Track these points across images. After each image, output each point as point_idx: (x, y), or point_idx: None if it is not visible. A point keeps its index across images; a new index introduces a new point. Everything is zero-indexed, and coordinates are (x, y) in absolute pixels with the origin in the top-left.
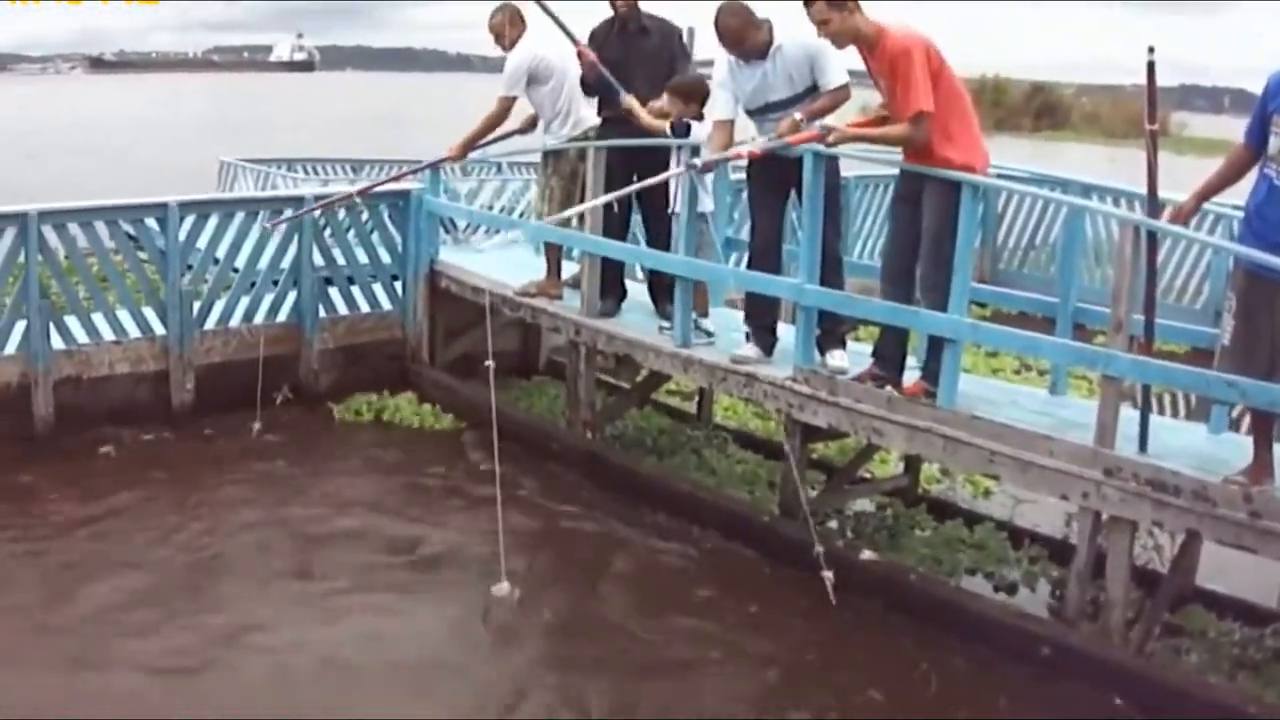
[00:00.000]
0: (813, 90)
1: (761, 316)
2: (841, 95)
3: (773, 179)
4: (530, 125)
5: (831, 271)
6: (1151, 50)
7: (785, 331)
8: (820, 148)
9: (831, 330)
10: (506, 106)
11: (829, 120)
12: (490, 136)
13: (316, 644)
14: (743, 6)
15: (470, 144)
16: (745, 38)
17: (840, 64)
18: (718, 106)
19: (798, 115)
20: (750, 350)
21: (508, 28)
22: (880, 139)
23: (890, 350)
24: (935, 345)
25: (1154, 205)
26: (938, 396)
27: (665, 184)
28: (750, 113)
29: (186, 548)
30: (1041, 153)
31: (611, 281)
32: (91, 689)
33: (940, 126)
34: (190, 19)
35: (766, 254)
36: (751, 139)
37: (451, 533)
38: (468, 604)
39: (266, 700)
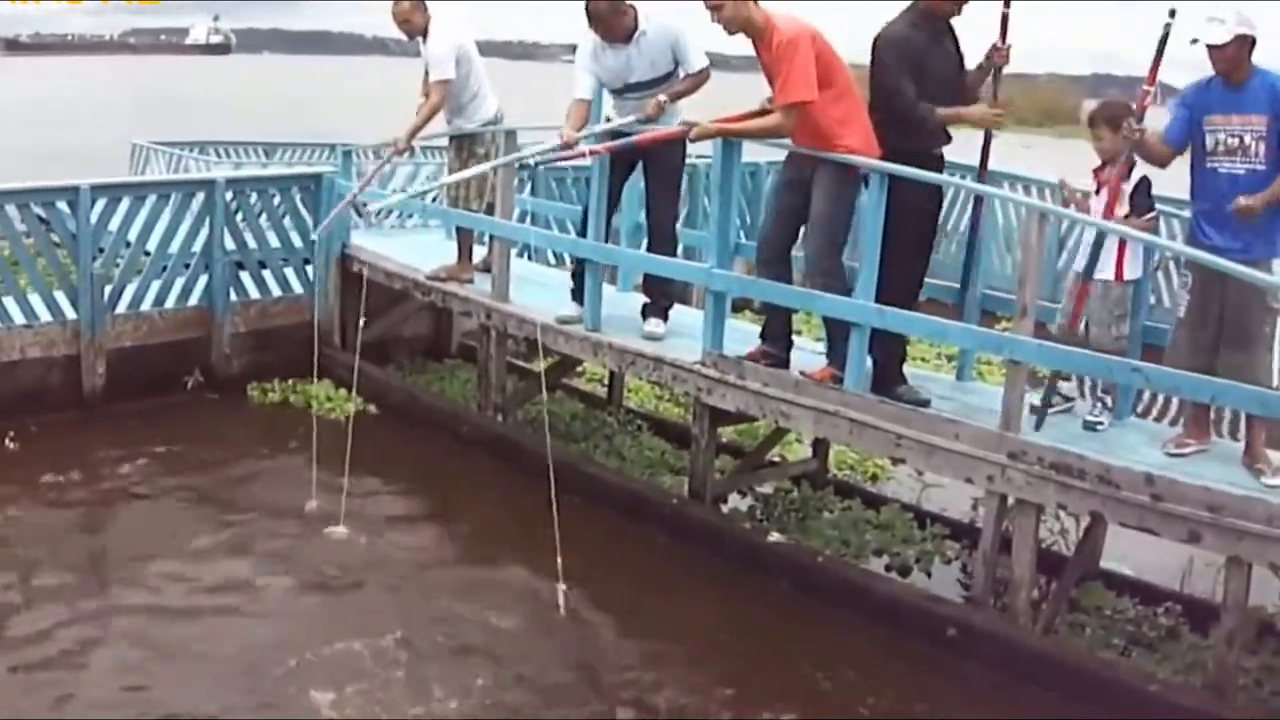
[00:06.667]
0: (673, 74)
1: (582, 279)
2: (702, 78)
3: (620, 157)
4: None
5: (664, 245)
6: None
7: (695, 316)
8: (727, 140)
9: (656, 301)
10: (445, 91)
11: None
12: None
13: None
14: None
15: (415, 133)
16: (613, 22)
17: (700, 49)
18: (578, 86)
19: (662, 97)
20: (572, 310)
21: (417, 15)
22: (743, 131)
23: (777, 330)
24: (839, 329)
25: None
26: (845, 380)
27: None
28: (614, 92)
29: (92, 530)
30: (957, 140)
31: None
32: None
33: (835, 114)
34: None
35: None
36: (606, 118)
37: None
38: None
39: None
